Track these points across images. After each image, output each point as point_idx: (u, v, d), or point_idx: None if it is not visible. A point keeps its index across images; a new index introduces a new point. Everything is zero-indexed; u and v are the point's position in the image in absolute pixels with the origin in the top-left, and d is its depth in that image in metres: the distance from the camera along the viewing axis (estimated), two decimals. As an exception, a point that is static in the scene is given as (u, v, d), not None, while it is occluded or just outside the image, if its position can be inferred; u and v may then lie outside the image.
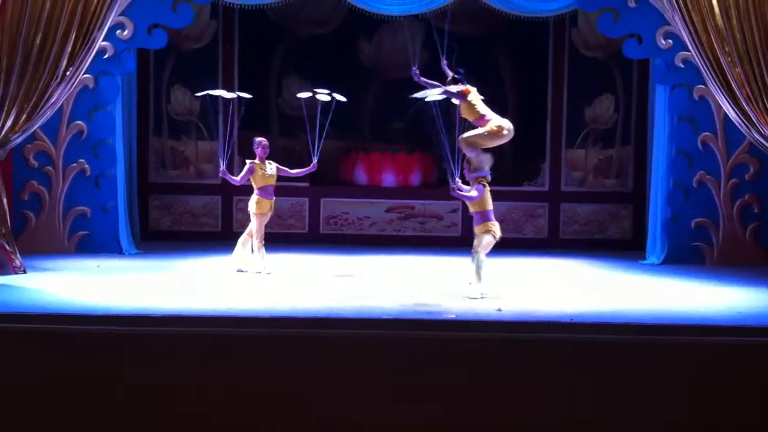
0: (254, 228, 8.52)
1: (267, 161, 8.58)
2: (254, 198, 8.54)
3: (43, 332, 6.16)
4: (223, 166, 8.54)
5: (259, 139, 8.65)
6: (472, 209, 7.47)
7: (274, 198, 8.62)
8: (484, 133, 7.45)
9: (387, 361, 6.01)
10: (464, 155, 7.46)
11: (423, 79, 7.76)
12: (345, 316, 6.54)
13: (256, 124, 11.23)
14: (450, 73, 7.74)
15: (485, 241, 7.39)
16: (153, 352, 6.03)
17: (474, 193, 7.34)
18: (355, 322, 6.37)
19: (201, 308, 6.71)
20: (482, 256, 7.38)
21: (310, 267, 9.23)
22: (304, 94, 8.54)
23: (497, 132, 7.44)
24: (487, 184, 7.41)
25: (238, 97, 8.73)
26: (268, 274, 8.44)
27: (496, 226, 7.41)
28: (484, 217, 7.40)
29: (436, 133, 7.20)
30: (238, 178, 8.60)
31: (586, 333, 6.24)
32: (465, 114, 7.57)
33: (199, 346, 6.08)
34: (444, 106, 7.61)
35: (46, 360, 5.98)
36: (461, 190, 7.37)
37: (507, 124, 7.51)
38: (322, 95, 8.38)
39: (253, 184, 8.54)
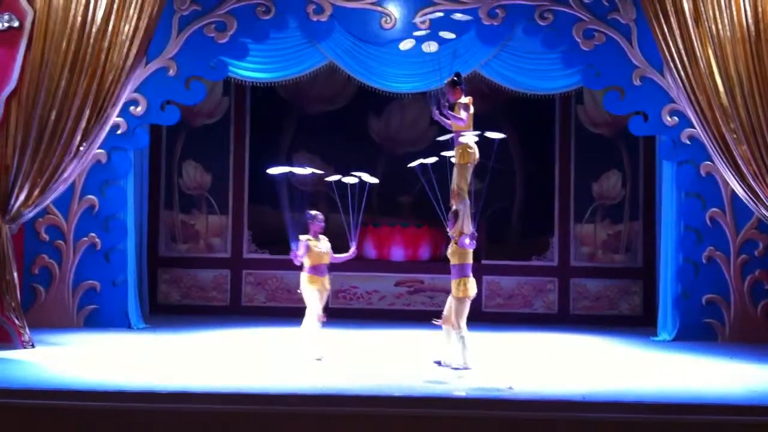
0: (309, 306, 7.79)
1: (320, 237, 7.92)
2: (305, 277, 7.82)
3: (48, 409, 6.10)
4: (294, 248, 7.75)
5: (314, 213, 7.94)
6: (452, 261, 7.49)
7: (327, 275, 7.91)
8: (457, 167, 7.46)
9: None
10: (452, 209, 7.49)
11: (446, 112, 7.47)
12: (351, 393, 6.47)
13: (265, 199, 11.31)
14: (442, 97, 7.42)
15: (462, 312, 7.35)
16: (158, 429, 5.96)
17: (467, 241, 7.35)
18: (360, 399, 6.30)
19: (206, 385, 6.64)
20: (463, 331, 7.36)
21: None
22: (332, 178, 8.05)
23: (465, 158, 7.41)
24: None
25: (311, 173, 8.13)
26: (318, 360, 7.78)
27: (471, 283, 7.41)
28: (462, 271, 7.41)
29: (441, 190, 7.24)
30: (298, 256, 7.77)
31: (599, 412, 6.15)
32: (460, 127, 7.47)
33: (204, 423, 6.02)
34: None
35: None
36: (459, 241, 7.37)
37: (469, 140, 7.41)
38: (351, 179, 7.87)
39: (306, 262, 7.84)
